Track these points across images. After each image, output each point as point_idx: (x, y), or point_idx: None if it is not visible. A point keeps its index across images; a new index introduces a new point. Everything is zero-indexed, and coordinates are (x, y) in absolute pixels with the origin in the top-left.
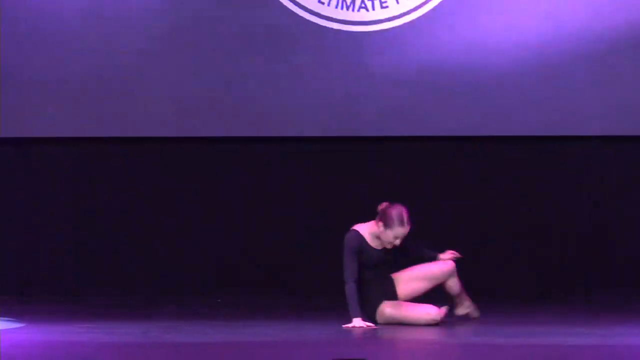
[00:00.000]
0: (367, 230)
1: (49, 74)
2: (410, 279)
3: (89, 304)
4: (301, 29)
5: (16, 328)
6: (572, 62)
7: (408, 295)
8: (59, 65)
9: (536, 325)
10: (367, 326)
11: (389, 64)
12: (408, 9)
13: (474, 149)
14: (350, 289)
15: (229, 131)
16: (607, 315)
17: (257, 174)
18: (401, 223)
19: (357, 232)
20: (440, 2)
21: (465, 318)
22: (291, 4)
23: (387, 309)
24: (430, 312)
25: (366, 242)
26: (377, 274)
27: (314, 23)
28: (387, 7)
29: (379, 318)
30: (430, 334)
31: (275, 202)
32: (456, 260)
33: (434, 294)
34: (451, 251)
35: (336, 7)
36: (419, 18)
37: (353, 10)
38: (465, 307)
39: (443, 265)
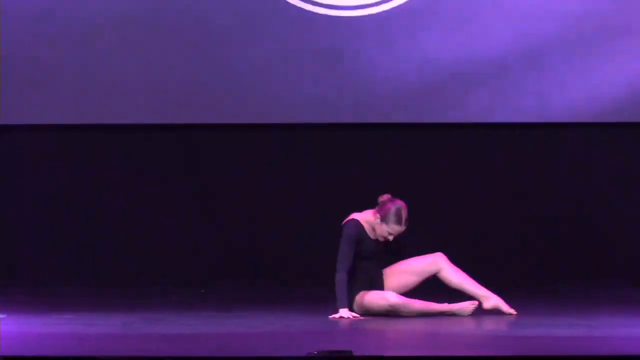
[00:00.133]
0: (365, 219)
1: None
2: (399, 272)
3: (69, 295)
4: (291, 14)
5: None
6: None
7: (396, 289)
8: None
9: (528, 317)
10: (354, 317)
11: (381, 50)
12: None
13: (473, 136)
14: (340, 278)
15: (218, 118)
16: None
17: (242, 162)
18: (398, 221)
19: (357, 220)
20: None
21: (495, 312)
22: None
23: (358, 298)
24: (389, 297)
25: (365, 232)
26: (369, 264)
27: (302, 9)
28: None
29: (355, 308)
30: (418, 325)
31: (264, 192)
32: (446, 252)
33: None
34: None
35: None
36: (410, 1)
37: None
38: (491, 302)
39: (429, 257)
